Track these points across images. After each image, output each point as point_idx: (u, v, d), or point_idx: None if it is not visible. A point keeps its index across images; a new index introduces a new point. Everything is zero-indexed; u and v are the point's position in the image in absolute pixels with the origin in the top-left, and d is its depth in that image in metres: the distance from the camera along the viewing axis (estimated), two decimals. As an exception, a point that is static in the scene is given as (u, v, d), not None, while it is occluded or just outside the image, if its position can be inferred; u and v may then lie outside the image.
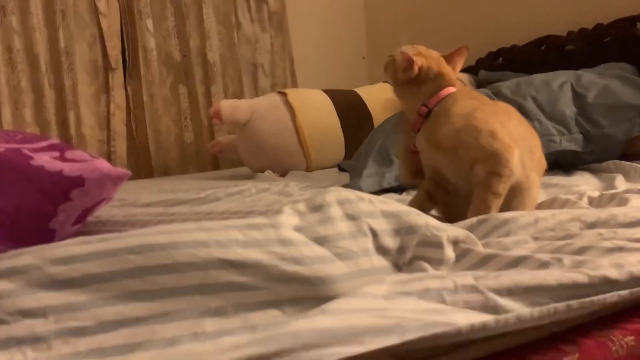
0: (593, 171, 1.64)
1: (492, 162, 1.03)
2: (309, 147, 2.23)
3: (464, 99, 1.11)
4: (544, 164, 1.18)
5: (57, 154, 0.87)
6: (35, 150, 0.87)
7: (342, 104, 2.32)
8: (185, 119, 2.86)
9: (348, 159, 2.27)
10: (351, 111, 2.32)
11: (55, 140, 0.96)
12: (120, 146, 2.67)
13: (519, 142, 1.08)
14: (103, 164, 0.89)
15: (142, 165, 2.76)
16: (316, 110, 2.27)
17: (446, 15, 2.90)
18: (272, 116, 2.23)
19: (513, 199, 1.08)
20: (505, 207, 1.05)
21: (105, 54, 2.62)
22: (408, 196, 1.55)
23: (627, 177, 1.48)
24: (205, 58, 2.87)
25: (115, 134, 2.66)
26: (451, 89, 1.12)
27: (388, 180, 1.64)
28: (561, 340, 0.67)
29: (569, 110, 1.71)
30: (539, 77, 1.82)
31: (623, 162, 1.62)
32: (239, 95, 2.96)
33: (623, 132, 1.64)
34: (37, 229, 0.83)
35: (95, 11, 2.59)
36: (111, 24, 2.63)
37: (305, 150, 2.24)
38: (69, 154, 0.88)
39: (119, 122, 2.68)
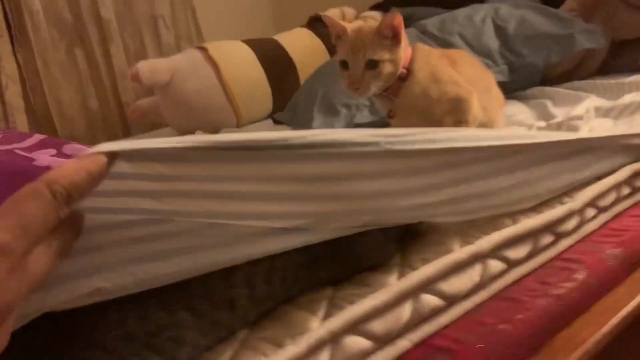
0: (519, 99, 1.77)
1: (458, 111, 1.14)
2: (238, 103, 2.19)
3: (422, 56, 1.16)
4: (502, 98, 1.28)
5: (53, 151, 0.80)
6: (30, 150, 0.79)
7: (265, 55, 2.27)
8: (86, 84, 2.66)
9: (277, 111, 2.26)
10: (275, 62, 2.29)
11: (39, 135, 0.88)
12: (21, 121, 2.45)
13: (475, 85, 1.17)
14: (79, 149, 0.83)
15: (49, 140, 2.56)
16: (240, 64, 2.21)
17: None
18: (195, 74, 2.14)
19: None
20: None
21: (-15, 22, 2.35)
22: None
23: (554, 102, 1.62)
24: (99, 16, 2.66)
25: (12, 109, 2.43)
26: (409, 48, 1.16)
27: (338, 130, 1.67)
28: (568, 262, 0.77)
29: (493, 43, 1.82)
30: (461, 13, 1.90)
31: (545, 88, 1.77)
32: (141, 53, 2.79)
33: (542, 60, 1.77)
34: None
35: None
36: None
37: (234, 107, 2.19)
38: (66, 149, 0.81)
39: (14, 95, 2.44)
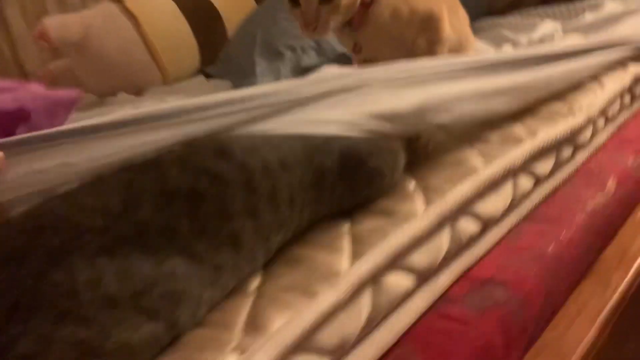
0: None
1: (430, 29, 1.03)
2: (162, 58, 1.97)
3: None
4: (466, 16, 1.19)
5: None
6: None
7: (188, 5, 2.06)
8: (-20, 53, 2.34)
9: (207, 65, 2.07)
10: (199, 12, 2.08)
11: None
12: None
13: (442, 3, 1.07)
14: (40, 89, 0.65)
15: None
16: (161, 16, 1.99)
17: None
18: (112, 30, 1.91)
19: None
20: None
21: None
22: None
23: (511, 30, 1.54)
24: (-13, -27, 2.32)
25: None
26: None
27: (284, 75, 1.53)
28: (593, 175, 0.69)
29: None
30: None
31: (495, 19, 1.70)
32: (42, 16, 2.48)
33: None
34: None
35: None
36: None
37: (158, 63, 1.98)
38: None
39: None
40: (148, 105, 1.56)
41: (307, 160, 0.54)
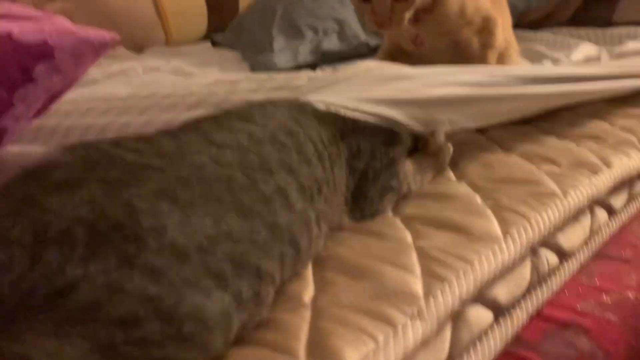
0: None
1: (487, 32, 0.99)
2: (169, 18, 1.86)
3: None
4: (510, 24, 1.14)
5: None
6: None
7: (202, -35, 1.94)
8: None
9: (212, 32, 1.96)
10: (213, -26, 1.97)
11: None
12: None
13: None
14: (70, 24, 0.55)
15: None
16: (174, -28, 1.87)
17: None
18: (119, -22, 1.78)
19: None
20: None
21: None
22: (325, 73, 1.39)
23: (542, 46, 1.49)
24: None
25: None
26: None
27: (303, 55, 1.43)
28: None
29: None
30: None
31: (524, 32, 1.63)
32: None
33: (523, 2, 1.64)
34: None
35: None
36: None
37: (164, 22, 1.86)
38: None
39: None
40: (154, 63, 1.45)
41: (319, 120, 0.55)
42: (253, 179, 0.42)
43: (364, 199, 0.55)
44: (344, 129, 0.57)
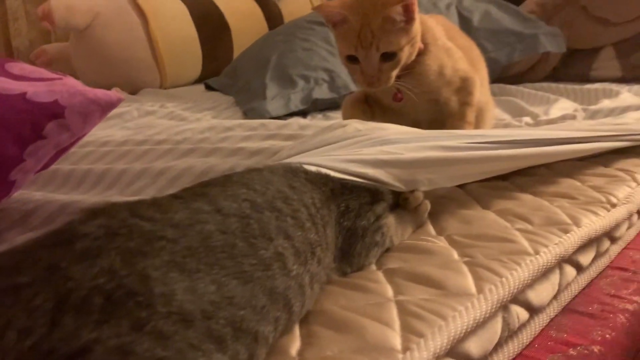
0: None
1: (465, 91, 1.03)
2: (165, 61, 1.92)
3: (430, 26, 1.02)
4: (487, 80, 1.19)
5: (-5, 68, 0.55)
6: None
7: (199, 12, 2.02)
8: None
9: (206, 76, 2.02)
10: (209, 21, 2.04)
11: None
12: None
13: (468, 56, 1.08)
14: (79, 84, 0.59)
15: None
16: (172, 18, 1.94)
17: None
18: (119, 23, 1.84)
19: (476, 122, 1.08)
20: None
21: None
22: (314, 120, 1.44)
23: (523, 100, 1.55)
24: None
25: None
26: None
27: (295, 103, 1.49)
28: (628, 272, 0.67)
29: (458, 33, 1.72)
30: (425, -4, 1.79)
31: (505, 85, 1.71)
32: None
33: (505, 57, 1.71)
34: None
35: None
36: None
37: (159, 65, 1.92)
38: (13, 68, 0.56)
39: None
40: (149, 106, 1.49)
41: (311, 184, 0.59)
42: (254, 246, 0.45)
43: (352, 255, 0.59)
44: (333, 189, 0.61)
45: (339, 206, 0.60)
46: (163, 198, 0.48)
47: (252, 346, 0.41)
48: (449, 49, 1.01)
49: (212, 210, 0.46)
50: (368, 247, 0.61)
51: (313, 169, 0.62)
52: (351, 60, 0.91)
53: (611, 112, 1.26)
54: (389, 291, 0.55)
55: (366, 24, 0.87)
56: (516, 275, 0.55)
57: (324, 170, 0.63)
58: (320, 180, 0.61)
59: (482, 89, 1.11)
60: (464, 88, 1.02)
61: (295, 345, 0.47)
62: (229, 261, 0.42)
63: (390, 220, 0.66)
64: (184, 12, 2.00)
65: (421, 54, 0.95)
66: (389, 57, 0.89)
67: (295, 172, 0.59)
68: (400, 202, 0.71)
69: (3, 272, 0.37)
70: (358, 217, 0.61)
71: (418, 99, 0.98)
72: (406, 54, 0.91)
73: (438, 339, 0.46)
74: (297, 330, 0.49)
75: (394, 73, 0.91)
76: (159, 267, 0.38)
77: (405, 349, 0.45)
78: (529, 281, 0.56)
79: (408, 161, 0.68)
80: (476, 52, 1.17)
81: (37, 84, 0.54)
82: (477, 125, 1.09)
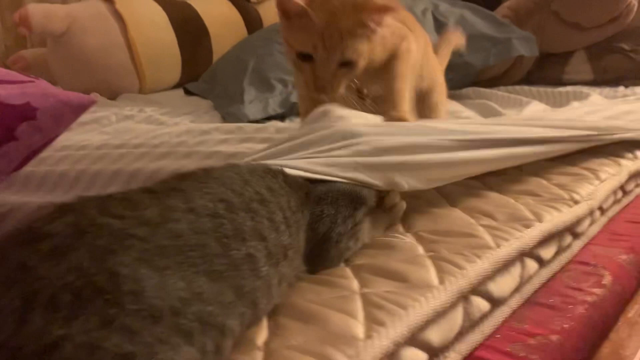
0: (455, 98, 1.72)
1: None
2: (144, 66, 1.92)
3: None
4: (431, 48, 1.20)
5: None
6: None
7: (178, 17, 2.03)
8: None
9: (185, 81, 2.03)
10: (188, 27, 2.05)
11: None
12: None
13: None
14: (51, 87, 0.60)
15: None
16: (150, 23, 1.95)
17: None
18: (97, 28, 1.85)
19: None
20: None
21: None
22: (292, 123, 1.46)
23: (496, 103, 1.59)
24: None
25: None
26: None
27: (273, 107, 1.51)
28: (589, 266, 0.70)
29: (433, 37, 1.75)
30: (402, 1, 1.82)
31: (480, 89, 1.74)
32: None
33: (480, 61, 1.75)
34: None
35: None
36: None
37: (138, 70, 1.92)
38: (-12, 72, 0.57)
39: None
40: (127, 111, 1.50)
41: (289, 187, 0.60)
42: (226, 246, 0.46)
43: (324, 258, 0.61)
44: (308, 193, 0.62)
45: (313, 211, 0.61)
46: (135, 192, 0.48)
47: (219, 338, 0.43)
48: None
49: (185, 209, 0.47)
50: (341, 252, 0.63)
51: (292, 171, 0.63)
52: (304, 58, 0.84)
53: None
54: (355, 285, 0.57)
55: (333, 24, 0.81)
56: (476, 267, 0.57)
57: (303, 173, 0.64)
58: (296, 184, 0.62)
59: (433, 73, 1.13)
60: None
61: (262, 336, 0.49)
62: (199, 260, 0.44)
63: (365, 224, 0.67)
64: (162, 17, 2.01)
65: (395, 58, 0.97)
66: (348, 64, 0.84)
67: (274, 174, 0.60)
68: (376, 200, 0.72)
69: None
70: (335, 223, 0.61)
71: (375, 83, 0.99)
72: (363, 64, 0.87)
73: (398, 327, 0.48)
74: (264, 322, 0.50)
75: (347, 81, 0.87)
76: (128, 264, 0.39)
77: (367, 337, 0.47)
78: (489, 273, 0.58)
79: (387, 164, 0.70)
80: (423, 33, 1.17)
81: (9, 86, 0.56)
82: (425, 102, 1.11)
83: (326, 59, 0.82)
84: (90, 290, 0.37)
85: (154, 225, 0.43)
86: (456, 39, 1.34)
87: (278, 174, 0.61)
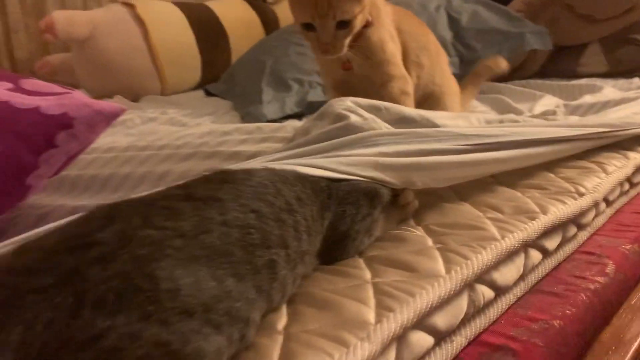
0: (469, 93, 1.75)
1: (403, 82, 1.11)
2: (165, 69, 1.98)
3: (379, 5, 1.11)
4: (443, 54, 1.25)
5: (9, 85, 0.61)
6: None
7: (197, 19, 2.08)
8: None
9: (205, 82, 2.09)
10: (207, 28, 2.11)
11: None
12: None
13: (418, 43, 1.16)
14: (86, 98, 0.65)
15: None
16: (170, 26, 2.01)
17: None
18: (119, 32, 1.91)
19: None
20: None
21: None
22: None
23: (510, 98, 1.61)
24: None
25: None
26: None
27: (290, 107, 1.55)
28: (594, 256, 0.73)
29: (447, 33, 1.78)
30: None
31: (494, 83, 1.76)
32: (40, 6, 2.46)
33: (493, 56, 1.76)
34: (10, 187, 0.58)
35: None
36: None
37: (159, 72, 1.98)
38: (26, 84, 0.62)
39: None
40: (150, 113, 1.56)
41: (315, 196, 0.64)
42: (250, 253, 0.51)
43: (342, 253, 0.65)
44: (330, 195, 0.67)
45: (336, 211, 0.66)
46: (177, 199, 0.53)
47: (245, 329, 0.48)
48: (392, 35, 1.09)
49: (220, 221, 0.52)
50: (357, 247, 0.67)
51: (316, 172, 0.68)
52: (308, 28, 1.00)
53: (590, 107, 1.32)
54: (367, 275, 0.61)
55: None
56: (480, 258, 0.61)
57: (329, 173, 0.69)
58: (319, 189, 0.66)
59: (437, 71, 1.18)
60: (402, 79, 1.09)
61: (282, 321, 0.53)
62: (226, 264, 0.49)
63: (380, 222, 0.72)
64: (182, 20, 2.06)
65: (366, 26, 1.04)
66: (344, 25, 0.97)
67: (304, 183, 0.64)
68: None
69: (32, 273, 0.43)
70: (354, 222, 0.66)
71: (364, 71, 1.06)
72: (359, 22, 1.00)
73: (406, 313, 0.52)
74: (284, 309, 0.55)
75: (347, 41, 1.00)
76: (165, 268, 0.45)
77: (378, 321, 0.51)
78: (492, 263, 0.62)
79: (404, 165, 0.75)
80: (431, 38, 1.24)
81: (48, 98, 0.61)
82: (434, 108, 1.16)
83: (323, 24, 0.97)
84: (132, 291, 0.42)
85: (189, 237, 0.49)
86: (495, 65, 1.41)
87: (306, 183, 0.65)
